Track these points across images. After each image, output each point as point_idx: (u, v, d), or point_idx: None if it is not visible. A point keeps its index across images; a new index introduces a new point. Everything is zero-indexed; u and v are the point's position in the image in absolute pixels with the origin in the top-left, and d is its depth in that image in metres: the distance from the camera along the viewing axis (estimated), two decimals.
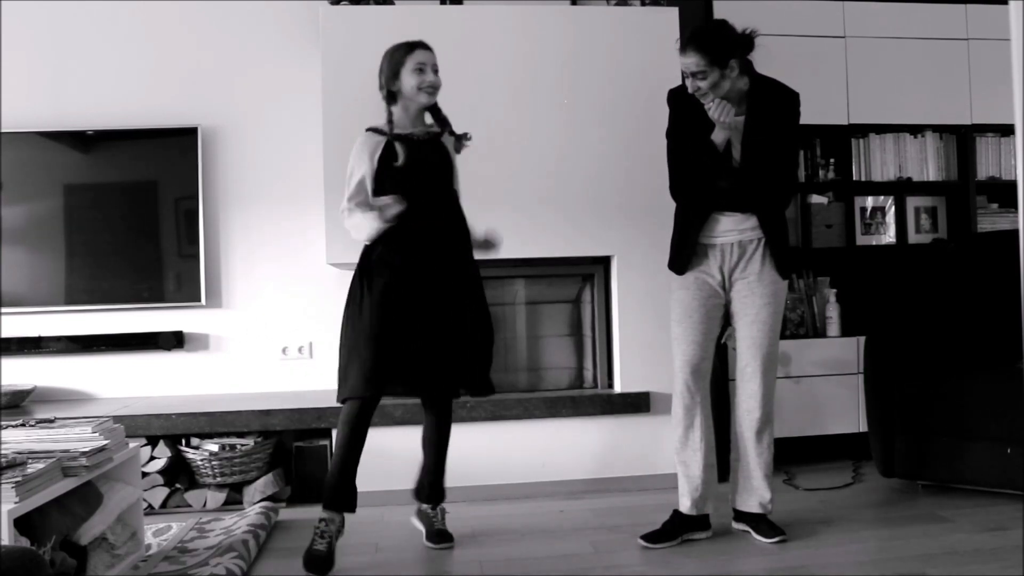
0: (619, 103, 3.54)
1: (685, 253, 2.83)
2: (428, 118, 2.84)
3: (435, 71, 2.76)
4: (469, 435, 3.41)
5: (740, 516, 2.90)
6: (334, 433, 3.39)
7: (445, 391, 2.82)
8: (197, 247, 3.82)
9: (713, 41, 2.64)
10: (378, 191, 2.71)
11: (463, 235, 2.84)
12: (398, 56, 2.73)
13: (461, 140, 2.87)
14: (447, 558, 2.76)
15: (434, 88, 2.75)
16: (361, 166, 2.72)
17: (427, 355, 2.68)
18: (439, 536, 2.85)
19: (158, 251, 3.83)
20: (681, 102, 2.81)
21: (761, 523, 2.84)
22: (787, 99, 2.78)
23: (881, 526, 2.94)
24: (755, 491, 2.85)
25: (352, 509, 2.67)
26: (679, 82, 3.55)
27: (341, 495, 2.64)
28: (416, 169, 2.73)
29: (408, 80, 2.71)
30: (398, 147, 2.70)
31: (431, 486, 2.91)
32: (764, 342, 2.79)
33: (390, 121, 2.74)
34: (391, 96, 2.75)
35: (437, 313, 2.71)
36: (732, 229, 2.80)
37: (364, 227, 2.68)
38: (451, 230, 2.80)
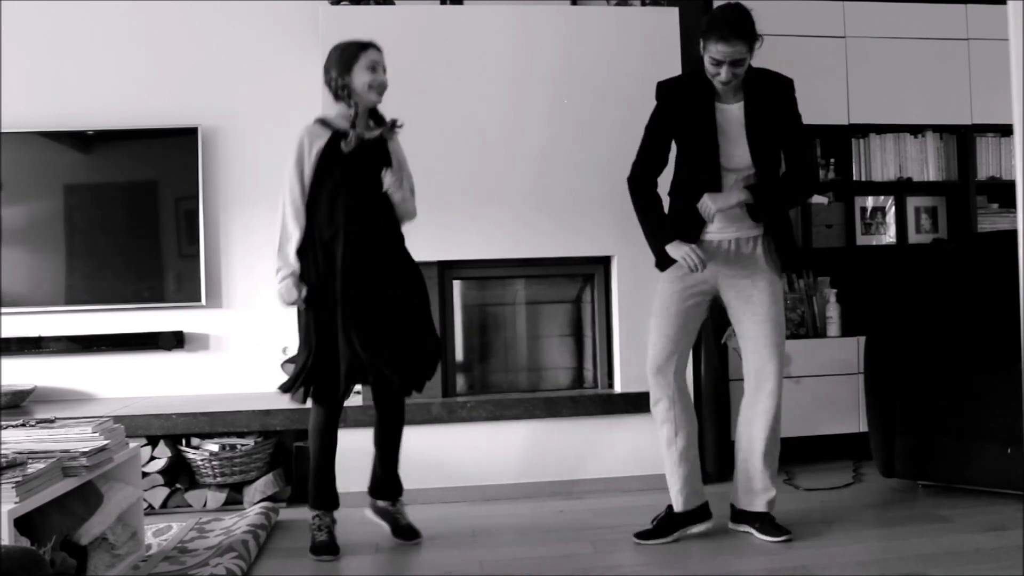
0: (619, 103, 3.53)
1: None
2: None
3: (384, 70, 2.79)
4: (469, 435, 3.42)
5: (743, 516, 2.88)
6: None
7: (388, 385, 2.81)
8: (197, 247, 3.82)
9: (751, 26, 2.66)
10: (317, 187, 2.74)
11: (398, 237, 2.85)
12: (351, 51, 2.76)
13: (392, 128, 2.85)
14: (447, 558, 2.76)
15: (383, 88, 2.78)
16: (300, 159, 2.75)
17: (366, 349, 2.69)
18: (408, 532, 2.87)
19: (158, 251, 3.83)
20: (673, 98, 2.81)
21: (766, 522, 2.83)
22: (784, 88, 2.79)
23: (881, 526, 2.94)
24: (765, 490, 2.82)
25: (334, 506, 2.85)
26: None
27: (325, 494, 2.83)
28: (358, 170, 2.76)
29: (360, 76, 2.74)
30: (343, 143, 2.73)
31: (386, 481, 2.91)
32: (779, 340, 2.79)
33: (355, 116, 2.76)
34: (345, 89, 2.75)
35: (375, 313, 2.72)
36: (729, 225, 2.79)
37: (278, 264, 2.75)
38: (387, 232, 2.80)
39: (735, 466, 2.90)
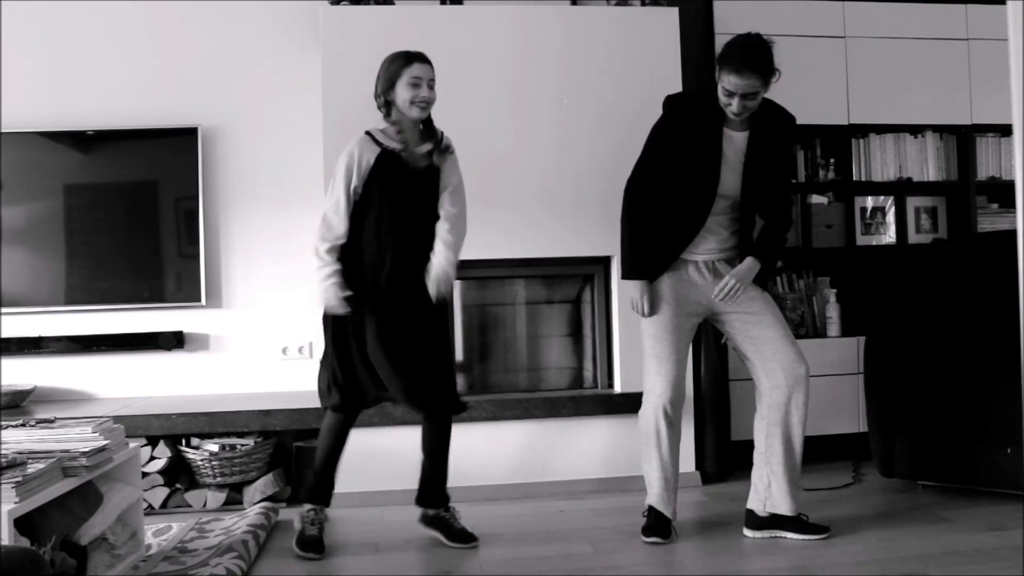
0: (619, 103, 3.53)
1: (662, 264, 2.82)
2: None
3: (431, 86, 2.73)
4: (469, 435, 3.41)
5: (771, 522, 2.82)
6: None
7: (436, 405, 2.83)
8: (197, 247, 3.82)
9: (768, 60, 2.61)
10: (364, 202, 2.73)
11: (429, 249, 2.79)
12: (396, 67, 2.72)
13: (445, 152, 2.81)
14: (447, 558, 2.76)
15: (427, 103, 2.72)
16: (350, 170, 2.71)
17: (404, 371, 2.72)
18: (463, 535, 2.86)
19: (158, 251, 3.83)
20: (681, 115, 2.80)
21: (800, 523, 2.80)
22: (788, 127, 2.81)
23: (881, 526, 2.94)
24: (799, 490, 2.82)
25: (328, 503, 2.91)
26: (678, 82, 3.55)
27: (326, 488, 2.88)
28: (407, 192, 2.74)
29: (402, 93, 2.70)
30: (403, 157, 2.72)
31: (434, 491, 2.91)
32: (792, 337, 2.80)
33: (400, 131, 2.73)
34: (387, 106, 2.75)
35: (405, 334, 2.73)
36: (715, 248, 2.82)
37: (318, 264, 2.71)
38: (423, 255, 2.77)
39: (764, 469, 2.82)
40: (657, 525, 2.83)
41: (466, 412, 2.93)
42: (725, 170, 2.76)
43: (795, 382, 2.76)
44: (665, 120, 2.84)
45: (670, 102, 2.85)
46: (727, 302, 2.80)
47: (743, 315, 2.81)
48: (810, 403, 3.75)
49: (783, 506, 2.80)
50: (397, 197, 2.73)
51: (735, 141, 2.76)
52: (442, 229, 2.79)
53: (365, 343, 2.73)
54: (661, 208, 2.83)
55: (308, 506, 2.86)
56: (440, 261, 2.75)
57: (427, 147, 2.79)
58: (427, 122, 2.80)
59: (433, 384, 2.80)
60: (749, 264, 2.79)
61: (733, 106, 2.65)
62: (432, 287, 2.74)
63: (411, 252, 2.75)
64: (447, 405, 2.85)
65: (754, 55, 2.60)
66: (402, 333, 2.73)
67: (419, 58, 2.73)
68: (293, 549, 2.79)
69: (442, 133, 2.84)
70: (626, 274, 2.86)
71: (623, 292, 3.56)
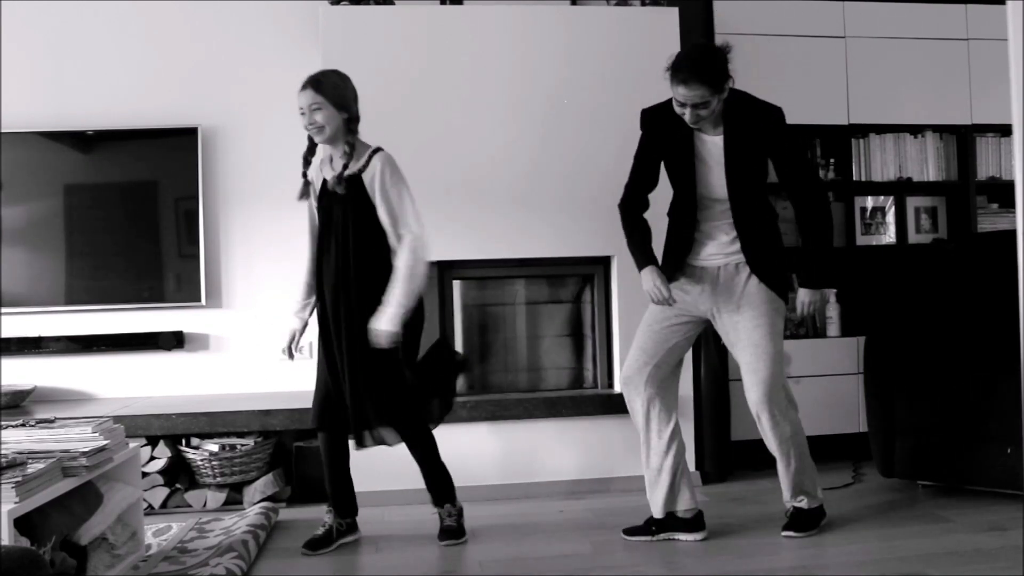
0: (619, 103, 3.53)
1: (667, 271, 2.83)
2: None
3: (314, 109, 2.68)
4: (469, 435, 3.41)
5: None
6: None
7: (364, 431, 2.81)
8: (197, 247, 3.82)
9: (714, 68, 2.57)
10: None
11: (363, 278, 2.75)
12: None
13: (340, 180, 2.74)
14: (447, 557, 2.76)
15: (315, 129, 2.72)
16: (309, 199, 2.89)
17: (345, 398, 2.78)
18: (442, 533, 2.90)
19: (158, 251, 3.83)
20: (655, 126, 2.80)
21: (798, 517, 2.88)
22: (768, 118, 2.73)
23: (881, 526, 2.94)
24: (799, 488, 2.86)
25: (346, 514, 2.92)
26: None
27: (336, 501, 2.90)
28: (324, 210, 2.81)
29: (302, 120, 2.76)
30: (330, 181, 2.78)
31: (429, 490, 2.94)
32: (767, 374, 2.75)
33: (310, 151, 2.84)
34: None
35: (342, 357, 2.78)
36: (717, 253, 2.80)
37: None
38: (347, 274, 2.75)
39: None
40: (644, 526, 2.86)
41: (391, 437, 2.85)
42: (707, 174, 2.74)
43: (758, 411, 2.80)
44: (643, 133, 2.85)
45: (643, 115, 2.85)
46: (716, 303, 2.80)
47: (727, 329, 2.82)
48: (810, 403, 3.79)
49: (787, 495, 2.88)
50: (327, 222, 2.80)
51: (712, 144, 2.74)
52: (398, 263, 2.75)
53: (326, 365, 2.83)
54: (669, 214, 2.86)
55: (326, 508, 2.91)
56: (384, 307, 2.69)
57: (338, 170, 2.75)
58: (348, 143, 2.75)
59: (366, 405, 2.75)
60: (800, 295, 2.90)
61: (687, 116, 2.63)
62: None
63: (345, 273, 2.75)
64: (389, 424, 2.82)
65: (700, 65, 2.57)
66: (346, 356, 2.76)
67: (303, 86, 2.72)
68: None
69: (369, 155, 2.76)
70: (639, 264, 2.84)
71: (623, 292, 3.57)
